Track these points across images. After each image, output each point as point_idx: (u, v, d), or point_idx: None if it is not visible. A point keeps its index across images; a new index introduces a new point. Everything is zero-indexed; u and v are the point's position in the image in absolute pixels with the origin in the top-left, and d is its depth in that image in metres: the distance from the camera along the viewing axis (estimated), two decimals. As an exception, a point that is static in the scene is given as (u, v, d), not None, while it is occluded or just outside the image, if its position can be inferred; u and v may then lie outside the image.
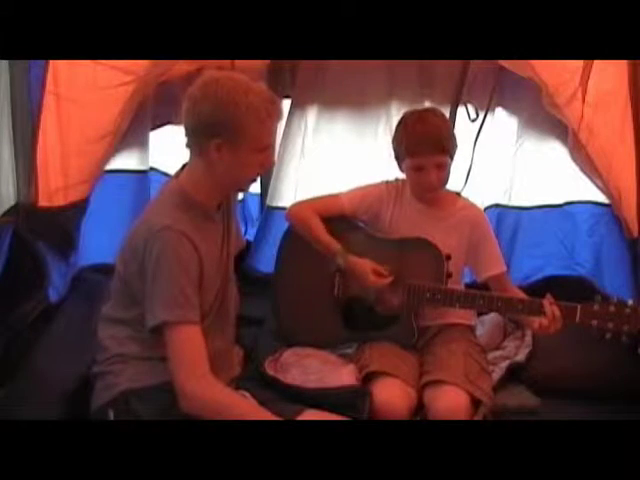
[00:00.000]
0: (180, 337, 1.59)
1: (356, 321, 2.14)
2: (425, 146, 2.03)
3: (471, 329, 2.19)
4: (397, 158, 2.13)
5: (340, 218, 2.17)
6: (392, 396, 1.90)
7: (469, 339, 2.13)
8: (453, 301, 2.01)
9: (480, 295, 2.00)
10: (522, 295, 2.08)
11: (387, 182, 2.21)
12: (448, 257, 2.04)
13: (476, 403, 1.91)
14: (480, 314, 2.33)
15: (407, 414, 1.90)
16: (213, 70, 1.68)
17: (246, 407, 1.62)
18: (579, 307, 1.89)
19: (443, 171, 2.06)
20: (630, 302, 1.86)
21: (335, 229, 2.14)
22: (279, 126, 2.70)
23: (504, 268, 2.16)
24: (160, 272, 1.59)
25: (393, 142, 2.13)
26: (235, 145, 1.62)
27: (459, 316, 2.13)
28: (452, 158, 2.09)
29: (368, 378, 1.96)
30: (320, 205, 2.19)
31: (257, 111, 1.60)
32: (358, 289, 2.11)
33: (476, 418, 1.88)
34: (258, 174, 1.77)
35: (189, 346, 1.59)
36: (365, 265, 2.05)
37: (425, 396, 1.94)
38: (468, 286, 2.22)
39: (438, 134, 2.05)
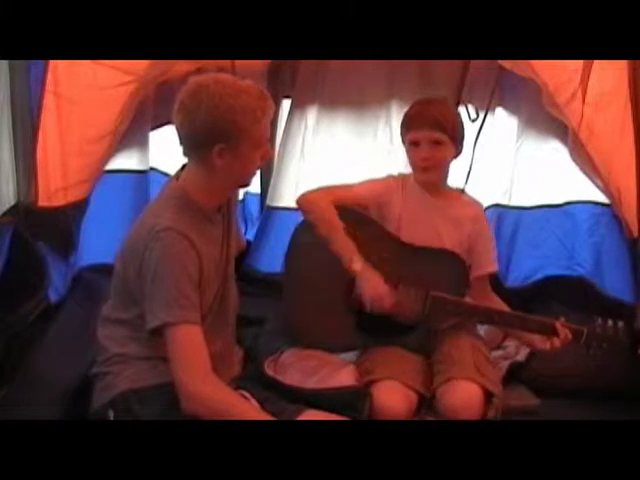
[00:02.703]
0: (181, 338, 1.58)
1: (372, 327, 2.07)
2: (422, 120, 2.04)
3: (473, 324, 2.19)
4: (401, 139, 2.14)
5: (366, 220, 2.13)
6: (391, 399, 1.89)
7: (473, 333, 2.14)
8: (472, 316, 2.05)
9: (498, 312, 2.03)
10: (501, 303, 2.12)
11: (392, 176, 2.20)
12: (470, 267, 2.06)
13: (488, 396, 1.91)
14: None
15: (406, 417, 1.88)
16: (197, 76, 1.65)
17: (247, 408, 1.62)
18: (585, 331, 1.95)
19: (439, 150, 2.04)
20: (620, 323, 1.96)
21: (359, 231, 2.07)
22: (279, 125, 2.75)
23: (495, 268, 2.17)
24: (161, 273, 1.59)
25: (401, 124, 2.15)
26: (236, 147, 1.62)
27: None
28: (455, 143, 2.06)
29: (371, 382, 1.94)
30: (335, 194, 2.13)
31: (253, 112, 1.60)
32: None
33: (490, 414, 1.89)
34: (258, 168, 1.76)
35: (191, 347, 1.58)
36: (375, 285, 1.97)
37: (438, 393, 1.93)
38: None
39: (438, 112, 2.05)
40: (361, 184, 2.18)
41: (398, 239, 2.11)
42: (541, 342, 1.99)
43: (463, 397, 1.88)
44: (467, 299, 2.06)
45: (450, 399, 1.89)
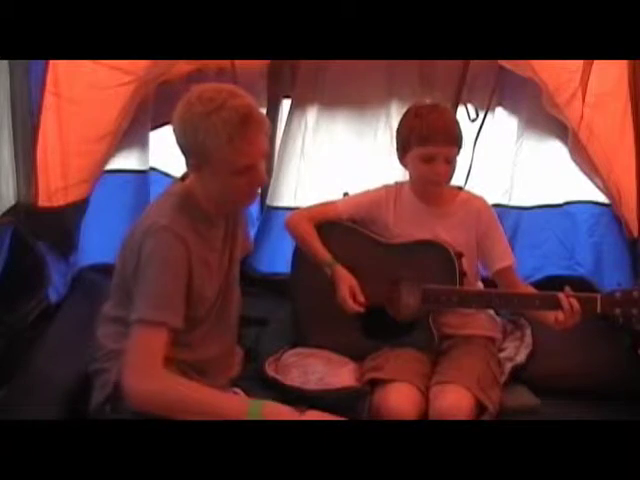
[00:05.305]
0: (143, 339, 1.56)
1: (375, 329, 2.09)
2: (439, 135, 1.97)
3: (494, 342, 2.16)
4: (401, 149, 2.07)
5: (348, 228, 2.15)
6: (403, 402, 1.87)
7: (490, 350, 2.10)
8: (469, 302, 1.99)
9: (495, 294, 1.98)
10: (531, 289, 2.07)
11: (386, 186, 2.19)
12: (460, 255, 2.00)
13: (481, 409, 1.88)
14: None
15: (416, 418, 1.86)
16: (199, 85, 1.63)
17: (204, 396, 1.56)
18: (599, 297, 1.84)
19: (451, 165, 2.02)
20: None
21: (343, 239, 2.11)
22: (279, 125, 2.74)
23: (512, 260, 2.11)
24: (148, 270, 1.59)
25: (399, 131, 2.08)
26: (206, 167, 1.61)
27: (484, 328, 2.12)
28: (458, 155, 2.06)
29: (379, 382, 1.94)
30: (316, 213, 2.18)
31: (218, 135, 1.54)
32: (372, 297, 2.06)
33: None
34: (251, 192, 1.72)
35: (147, 351, 1.55)
36: (345, 284, 2.03)
37: (431, 393, 1.91)
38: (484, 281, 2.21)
39: (452, 126, 2.02)
40: (345, 200, 2.20)
41: (382, 241, 2.10)
42: (548, 317, 1.89)
43: (454, 402, 1.85)
44: (461, 287, 2.00)
45: (442, 400, 1.86)
